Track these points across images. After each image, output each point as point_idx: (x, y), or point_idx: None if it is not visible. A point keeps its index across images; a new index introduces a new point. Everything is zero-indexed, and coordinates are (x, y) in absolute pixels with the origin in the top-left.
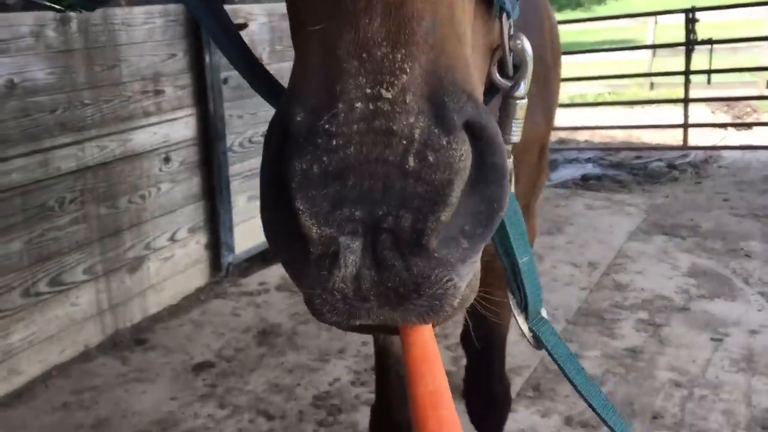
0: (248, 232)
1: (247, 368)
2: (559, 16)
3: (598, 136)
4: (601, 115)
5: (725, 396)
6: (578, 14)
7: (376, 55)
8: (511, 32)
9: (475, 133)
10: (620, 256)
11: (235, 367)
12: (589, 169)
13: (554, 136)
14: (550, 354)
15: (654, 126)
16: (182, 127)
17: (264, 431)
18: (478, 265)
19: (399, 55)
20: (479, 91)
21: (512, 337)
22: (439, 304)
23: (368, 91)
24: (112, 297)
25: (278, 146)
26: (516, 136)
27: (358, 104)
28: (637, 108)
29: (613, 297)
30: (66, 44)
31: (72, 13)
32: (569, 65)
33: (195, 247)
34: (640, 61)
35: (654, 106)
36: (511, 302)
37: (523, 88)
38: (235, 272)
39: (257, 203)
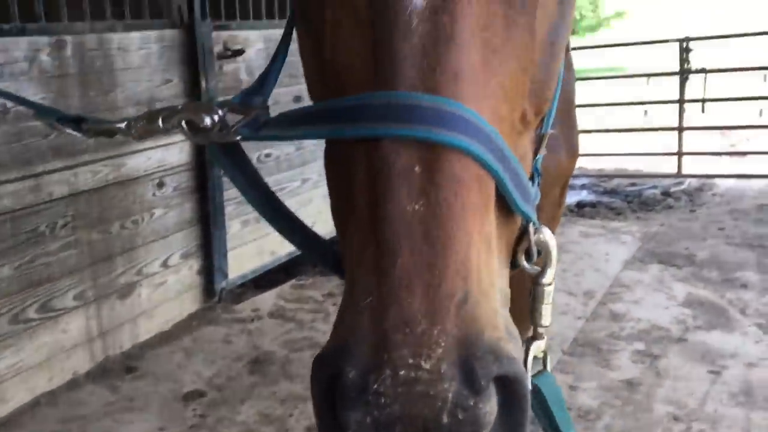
0: (242, 257)
1: (238, 398)
2: None
3: (592, 163)
4: (595, 142)
5: (724, 431)
6: (574, 41)
7: (417, 330)
8: (536, 226)
9: (504, 381)
10: (616, 285)
11: (227, 396)
12: (584, 196)
13: None
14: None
15: (648, 153)
16: (177, 152)
17: None
18: None
19: (435, 331)
20: (504, 335)
21: None
22: None
23: (410, 361)
24: (103, 323)
25: (328, 386)
26: (546, 320)
27: (402, 372)
28: (631, 135)
29: (609, 327)
30: (60, 69)
31: (67, 38)
32: None
33: (188, 272)
34: (634, 87)
35: (648, 133)
36: None
37: (549, 276)
38: (228, 298)
39: (251, 228)
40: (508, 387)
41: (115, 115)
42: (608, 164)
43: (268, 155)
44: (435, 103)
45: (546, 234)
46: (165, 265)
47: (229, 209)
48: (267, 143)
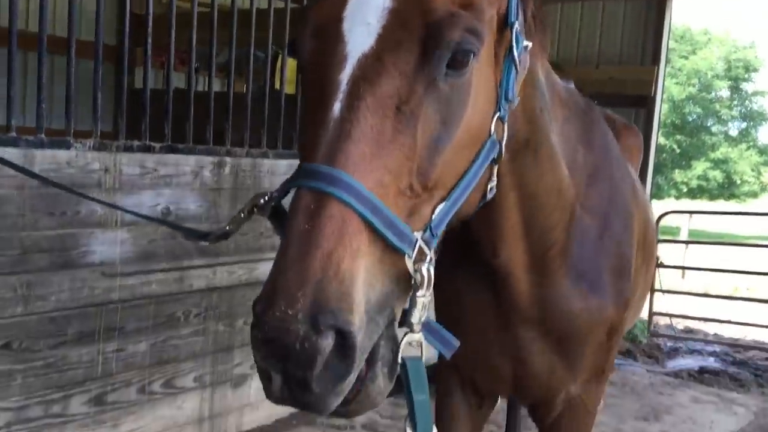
0: None
1: None
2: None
3: (730, 331)
4: (736, 310)
5: None
6: (731, 205)
7: (290, 292)
8: (428, 257)
9: (341, 335)
10: None
11: None
12: (710, 362)
13: (681, 324)
14: None
15: None
16: None
17: None
18: (350, 387)
19: (299, 294)
20: (352, 307)
21: None
22: (324, 410)
23: (283, 308)
24: (214, 407)
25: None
26: (415, 318)
27: (277, 313)
28: None
29: None
30: (218, 183)
31: (227, 159)
32: (709, 254)
33: None
34: None
35: None
36: (407, 424)
37: (420, 293)
38: None
39: None
40: (340, 337)
41: (254, 226)
42: (746, 334)
43: None
44: (329, 171)
45: (423, 271)
46: None
47: None
48: None
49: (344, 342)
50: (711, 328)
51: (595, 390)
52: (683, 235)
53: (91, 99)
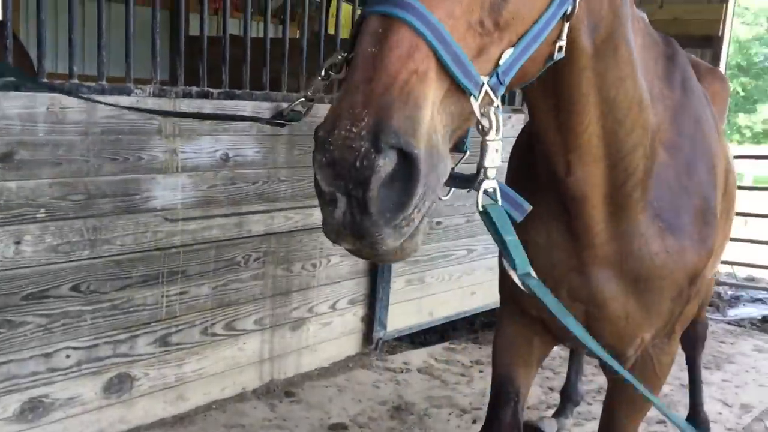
0: (402, 313)
1: None
2: None
3: None
4: None
5: None
6: None
7: (355, 110)
8: (495, 103)
9: (402, 153)
10: None
11: None
12: None
13: (743, 272)
14: (536, 294)
15: None
16: None
17: None
18: (408, 230)
19: (365, 112)
20: (419, 131)
21: None
22: (376, 244)
23: (347, 127)
24: (274, 349)
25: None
26: (488, 163)
27: (342, 132)
28: None
29: None
30: (274, 130)
31: (284, 104)
32: None
33: (352, 318)
34: None
35: None
36: (505, 265)
37: (493, 135)
38: (383, 348)
39: (414, 287)
40: (402, 154)
41: (311, 172)
42: None
43: (438, 223)
44: None
45: (490, 114)
46: (333, 307)
47: (396, 266)
48: (437, 212)
49: (407, 165)
50: None
51: (668, 347)
52: (747, 181)
53: (148, 46)
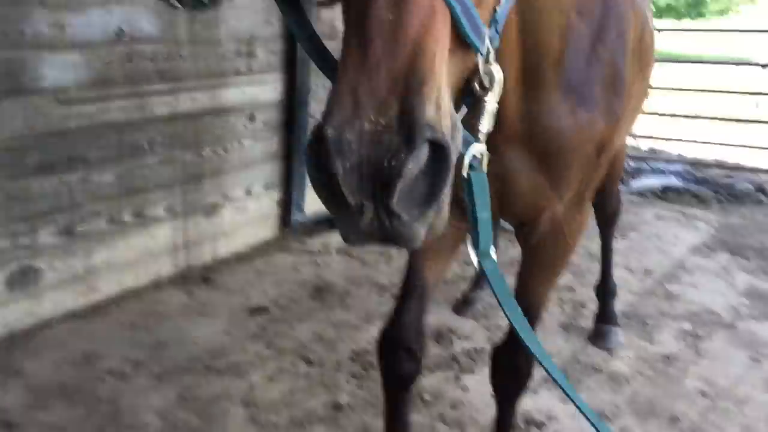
0: None
1: (297, 318)
2: (674, 25)
3: (692, 150)
4: (698, 129)
5: (749, 412)
6: (698, 25)
7: (380, 96)
8: (489, 59)
9: (434, 146)
10: (678, 268)
11: (287, 315)
12: (673, 181)
13: (645, 145)
14: (486, 278)
15: (748, 146)
16: (269, 89)
17: (302, 373)
18: (438, 214)
19: (390, 101)
20: (444, 113)
21: (549, 327)
22: (406, 241)
23: (372, 118)
24: (188, 236)
25: (317, 147)
26: (484, 127)
27: (367, 126)
28: (739, 125)
29: (660, 305)
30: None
31: None
32: (676, 76)
33: (268, 202)
34: (753, 78)
35: (757, 126)
36: (468, 242)
37: (491, 97)
38: (301, 231)
39: None
40: (435, 149)
41: (215, 48)
42: (709, 153)
43: None
44: None
45: (493, 70)
46: (248, 192)
47: None
48: None
49: (437, 157)
50: (674, 148)
51: (579, 216)
52: None
53: None
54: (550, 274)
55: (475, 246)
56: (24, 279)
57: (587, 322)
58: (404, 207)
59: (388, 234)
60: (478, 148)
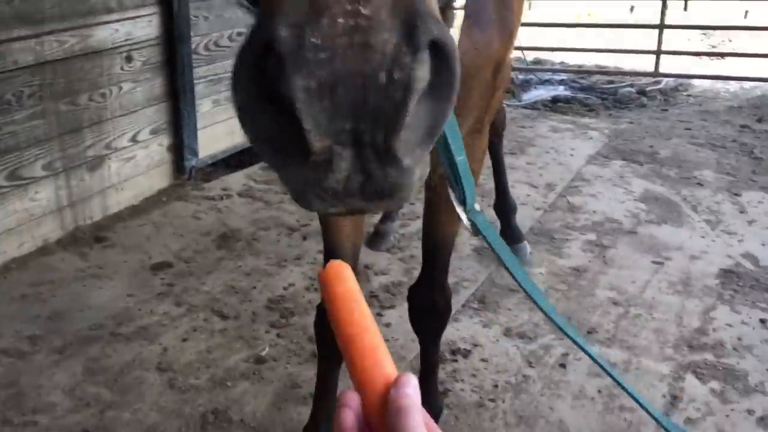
0: (212, 137)
1: (204, 270)
2: None
3: (574, 59)
4: (577, 37)
5: (658, 316)
6: None
7: None
8: None
9: (438, 50)
10: (577, 179)
11: (194, 268)
12: (560, 91)
13: (530, 56)
14: (485, 238)
15: (627, 51)
16: (145, 25)
17: (217, 330)
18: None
19: None
20: (438, 10)
21: (462, 252)
22: (401, 197)
23: (348, 7)
24: (72, 194)
25: (257, 63)
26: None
27: (341, 19)
28: (617, 32)
29: (565, 218)
30: None
31: None
32: None
33: (157, 149)
34: None
35: (632, 30)
36: (452, 196)
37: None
38: (198, 176)
39: (223, 108)
40: (440, 59)
41: None
42: (589, 60)
43: None
44: None
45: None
46: (134, 140)
47: (199, 87)
48: None
49: (444, 65)
50: (557, 57)
51: (480, 141)
52: None
53: None
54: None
55: (461, 200)
56: None
57: None
58: (407, 146)
59: (380, 190)
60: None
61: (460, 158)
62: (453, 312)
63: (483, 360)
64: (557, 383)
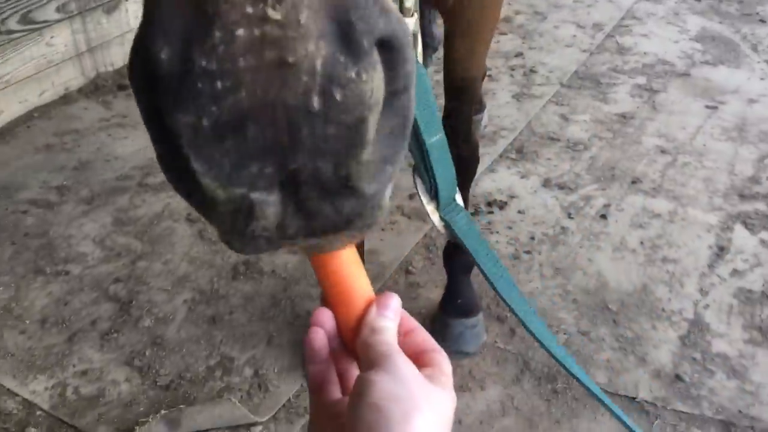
0: None
1: None
2: None
3: None
4: None
5: (709, 164)
6: None
7: None
8: None
9: (385, 46)
10: (628, 17)
11: None
12: None
13: None
14: (460, 241)
15: None
16: None
17: None
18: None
19: None
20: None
21: (501, 100)
22: (369, 227)
23: (249, 10)
24: (90, 39)
25: (148, 85)
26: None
27: (240, 30)
28: None
29: (613, 61)
30: None
31: None
32: None
33: None
34: None
35: None
36: (418, 187)
37: None
38: None
39: None
40: (391, 55)
41: None
42: None
43: None
44: None
45: None
46: None
47: None
48: None
49: (393, 62)
50: None
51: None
52: None
53: None
54: (479, 36)
55: (431, 193)
56: None
57: (540, 89)
58: (369, 171)
59: (334, 225)
60: (410, 27)
61: (434, 139)
62: (489, 162)
63: (520, 212)
64: (597, 235)
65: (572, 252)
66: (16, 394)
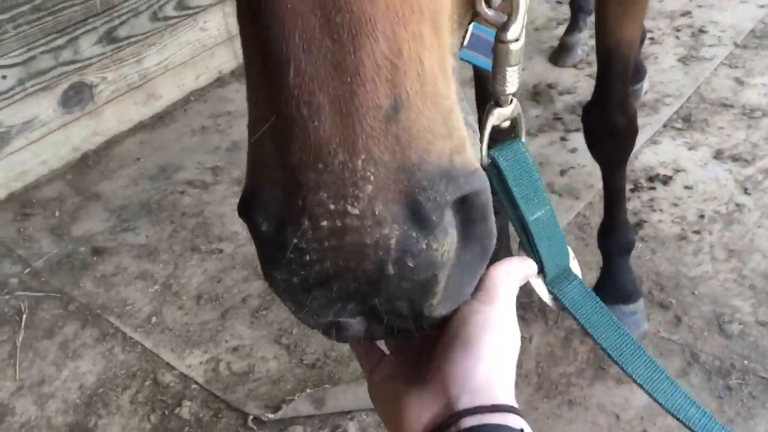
0: None
1: None
2: None
3: None
4: None
5: None
6: None
7: (334, 164)
8: None
9: (462, 200)
10: None
11: None
12: None
13: None
14: (573, 316)
15: None
16: None
17: None
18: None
19: (359, 162)
20: (458, 139)
21: (665, 64)
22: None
23: (332, 207)
24: None
25: (253, 234)
26: (511, 86)
27: (324, 222)
28: None
29: None
30: None
31: None
32: None
33: None
34: None
35: None
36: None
37: (512, 33)
38: None
39: None
40: (468, 203)
41: None
42: None
43: None
44: None
45: None
46: None
47: None
48: None
49: (476, 209)
50: None
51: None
52: None
53: None
54: None
55: (540, 268)
56: (79, 97)
57: (711, 50)
58: (440, 303)
59: (402, 328)
60: (505, 113)
61: (535, 216)
62: (651, 133)
63: (687, 187)
64: None
65: (749, 232)
66: (174, 368)
